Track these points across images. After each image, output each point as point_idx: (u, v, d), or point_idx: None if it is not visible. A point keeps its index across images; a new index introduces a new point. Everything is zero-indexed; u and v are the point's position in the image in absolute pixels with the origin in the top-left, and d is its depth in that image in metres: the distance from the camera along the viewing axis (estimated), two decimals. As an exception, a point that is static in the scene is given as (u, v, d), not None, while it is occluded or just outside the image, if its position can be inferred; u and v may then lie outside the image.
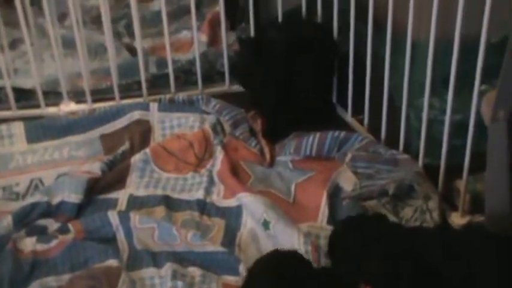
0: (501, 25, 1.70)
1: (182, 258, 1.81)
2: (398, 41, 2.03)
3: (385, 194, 1.95)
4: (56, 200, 2.02)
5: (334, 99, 2.51)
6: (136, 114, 2.44)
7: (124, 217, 1.95)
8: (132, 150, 2.30)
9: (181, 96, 2.55)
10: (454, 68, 1.81)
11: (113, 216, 1.94)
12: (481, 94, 1.77)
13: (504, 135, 1.57)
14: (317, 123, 2.33)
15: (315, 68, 2.36)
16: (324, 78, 2.44)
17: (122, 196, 2.10)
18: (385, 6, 2.00)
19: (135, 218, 1.96)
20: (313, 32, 2.36)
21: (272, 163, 2.25)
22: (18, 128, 2.33)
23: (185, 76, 2.74)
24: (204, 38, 2.91)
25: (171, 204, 2.08)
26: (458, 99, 1.84)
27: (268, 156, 2.27)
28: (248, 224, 1.95)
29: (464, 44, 1.76)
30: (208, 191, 2.12)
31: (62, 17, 2.90)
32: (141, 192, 2.13)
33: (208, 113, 2.44)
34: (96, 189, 2.11)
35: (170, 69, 2.61)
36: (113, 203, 2.07)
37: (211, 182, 2.17)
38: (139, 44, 2.51)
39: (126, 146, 2.30)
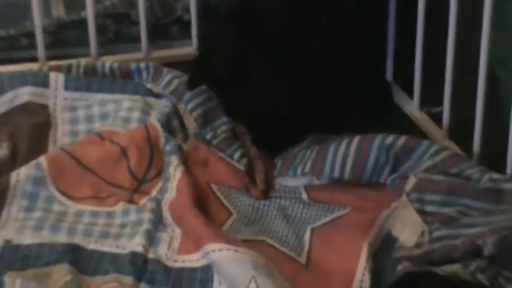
0: None
1: None
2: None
3: (478, 254, 1.60)
4: None
5: (389, 77, 2.19)
6: (23, 94, 2.06)
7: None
8: (14, 160, 1.94)
9: (109, 62, 2.18)
10: None
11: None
12: None
13: None
14: (353, 119, 2.03)
15: (340, 22, 2.02)
16: (361, 40, 2.10)
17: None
18: None
19: (13, 285, 1.61)
20: None
21: (269, 191, 1.88)
22: None
23: (117, 26, 2.43)
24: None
25: (82, 261, 1.71)
26: None
27: (261, 177, 1.88)
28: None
29: None
30: (152, 240, 1.74)
31: None
32: (28, 239, 1.76)
33: (157, 96, 2.08)
34: None
35: (90, 12, 2.24)
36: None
37: (158, 222, 1.77)
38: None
39: (2, 151, 1.96)
